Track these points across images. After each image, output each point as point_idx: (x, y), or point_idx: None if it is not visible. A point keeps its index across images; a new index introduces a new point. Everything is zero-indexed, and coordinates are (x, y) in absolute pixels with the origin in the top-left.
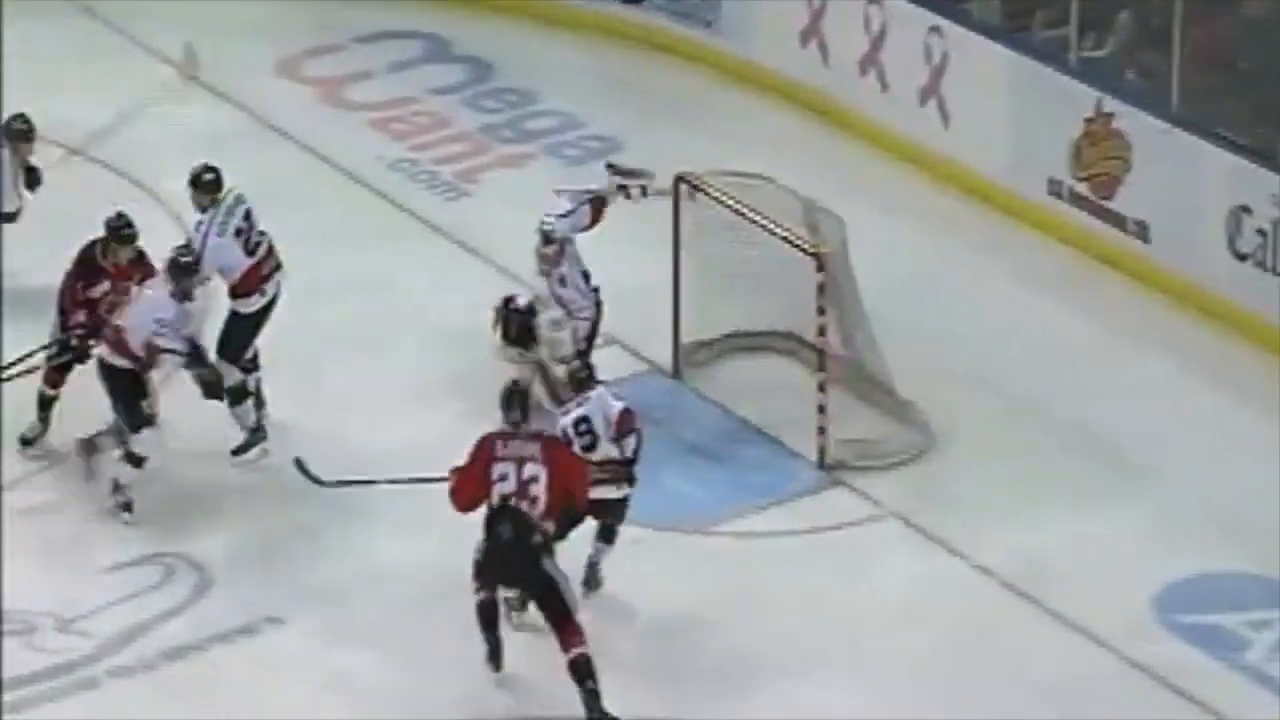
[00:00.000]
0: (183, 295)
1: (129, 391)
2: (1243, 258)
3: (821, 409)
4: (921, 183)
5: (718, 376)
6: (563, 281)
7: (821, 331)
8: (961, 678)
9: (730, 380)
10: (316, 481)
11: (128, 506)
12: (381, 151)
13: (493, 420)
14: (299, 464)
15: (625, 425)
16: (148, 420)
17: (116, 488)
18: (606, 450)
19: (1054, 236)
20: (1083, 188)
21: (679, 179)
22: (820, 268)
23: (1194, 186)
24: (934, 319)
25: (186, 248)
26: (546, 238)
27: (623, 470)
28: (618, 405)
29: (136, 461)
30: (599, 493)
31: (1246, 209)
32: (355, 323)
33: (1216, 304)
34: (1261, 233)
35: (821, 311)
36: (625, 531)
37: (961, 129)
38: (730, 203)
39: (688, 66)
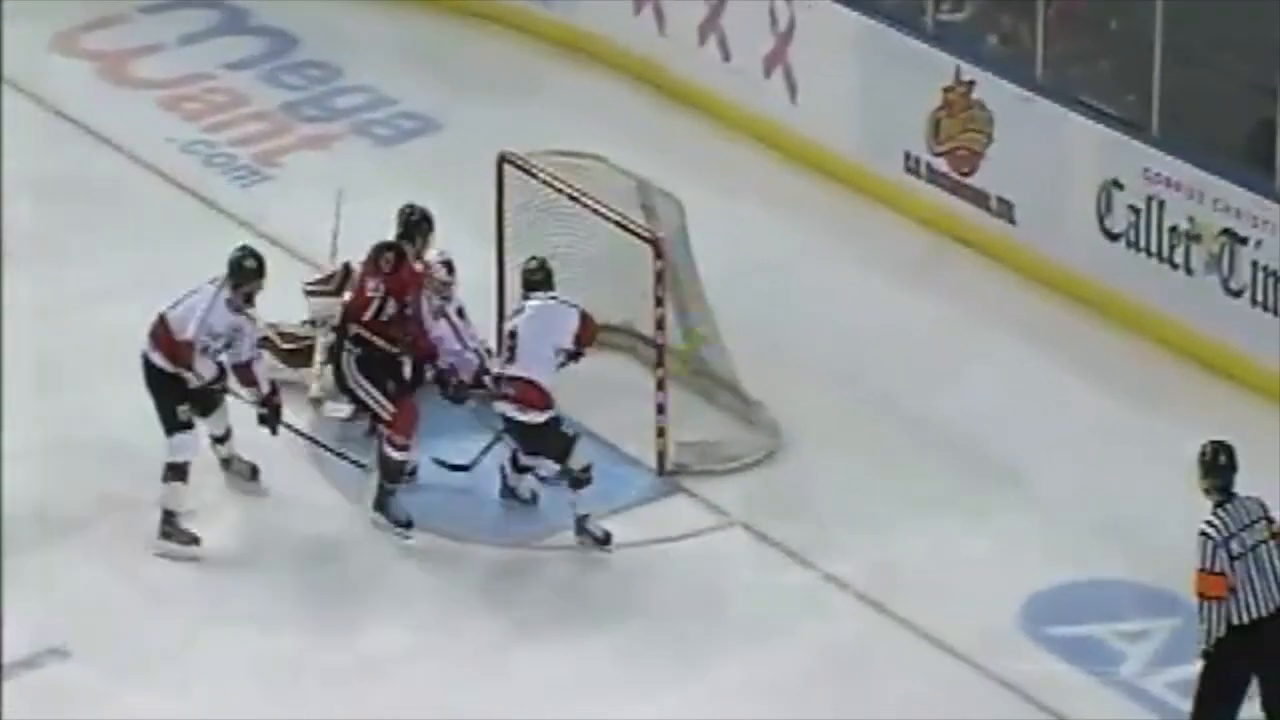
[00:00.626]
0: (243, 301)
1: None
2: (1114, 237)
3: (660, 409)
4: (767, 161)
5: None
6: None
7: (659, 324)
8: (815, 699)
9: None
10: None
11: (193, 540)
12: (172, 133)
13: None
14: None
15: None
16: (184, 425)
17: (167, 518)
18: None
19: (911, 217)
20: (941, 163)
21: (502, 159)
22: (657, 255)
23: (1061, 160)
24: (781, 309)
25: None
26: (450, 266)
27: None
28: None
29: (176, 473)
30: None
31: (1118, 184)
32: (146, 327)
33: (1086, 288)
34: (1134, 209)
35: (659, 302)
36: (441, 547)
37: (810, 101)
38: (558, 185)
39: (510, 36)
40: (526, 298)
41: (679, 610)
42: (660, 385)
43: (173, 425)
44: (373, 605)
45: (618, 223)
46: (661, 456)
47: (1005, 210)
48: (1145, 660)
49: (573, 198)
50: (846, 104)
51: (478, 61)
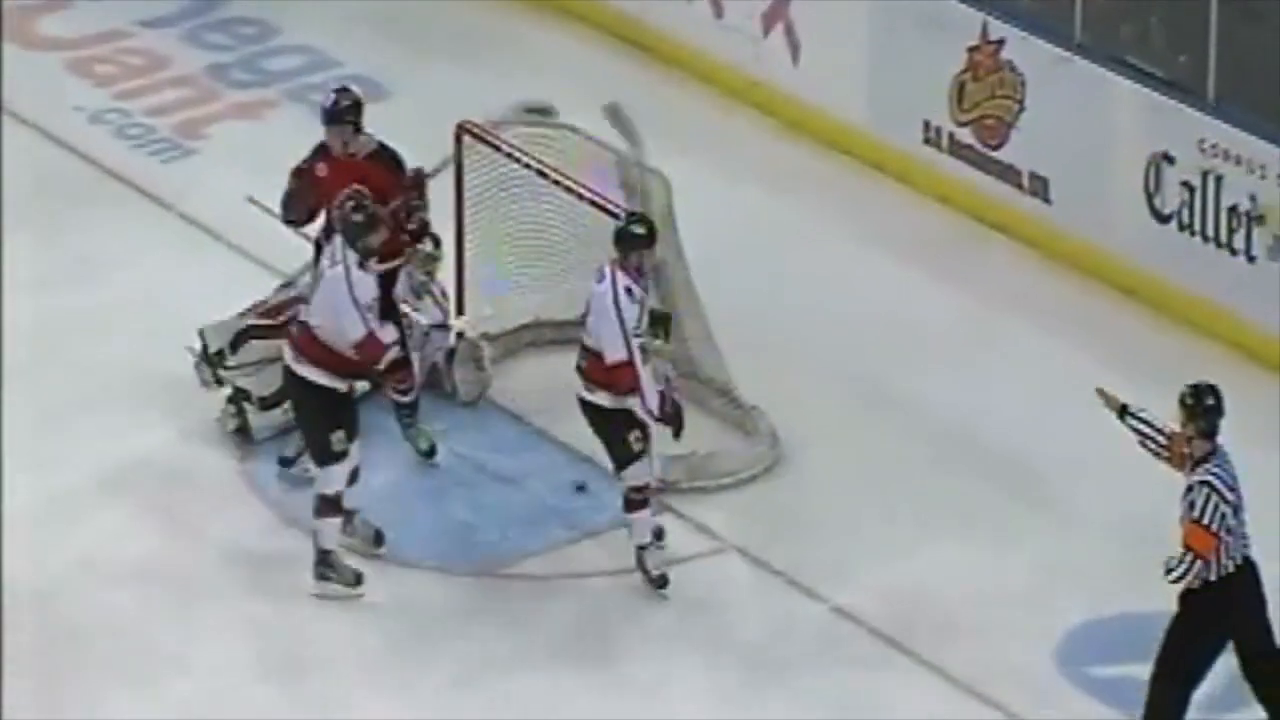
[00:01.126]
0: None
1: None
2: (1164, 219)
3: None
4: (765, 131)
5: (511, 378)
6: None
7: None
8: None
9: (527, 382)
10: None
11: (357, 578)
12: (82, 100)
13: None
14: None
15: None
16: (338, 455)
17: (323, 558)
18: None
19: (930, 195)
20: (965, 134)
21: (460, 130)
22: None
23: (1103, 131)
24: (781, 301)
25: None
26: (436, 240)
27: None
28: None
29: (330, 507)
30: None
31: (1168, 158)
32: (51, 320)
33: (1132, 276)
34: (1187, 187)
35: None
36: (387, 574)
37: (814, 64)
38: (525, 159)
39: None
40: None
41: (664, 649)
42: None
43: (325, 454)
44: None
45: (594, 202)
46: None
47: (1039, 188)
48: (1196, 705)
49: (542, 174)
50: (856, 66)
51: (432, 19)
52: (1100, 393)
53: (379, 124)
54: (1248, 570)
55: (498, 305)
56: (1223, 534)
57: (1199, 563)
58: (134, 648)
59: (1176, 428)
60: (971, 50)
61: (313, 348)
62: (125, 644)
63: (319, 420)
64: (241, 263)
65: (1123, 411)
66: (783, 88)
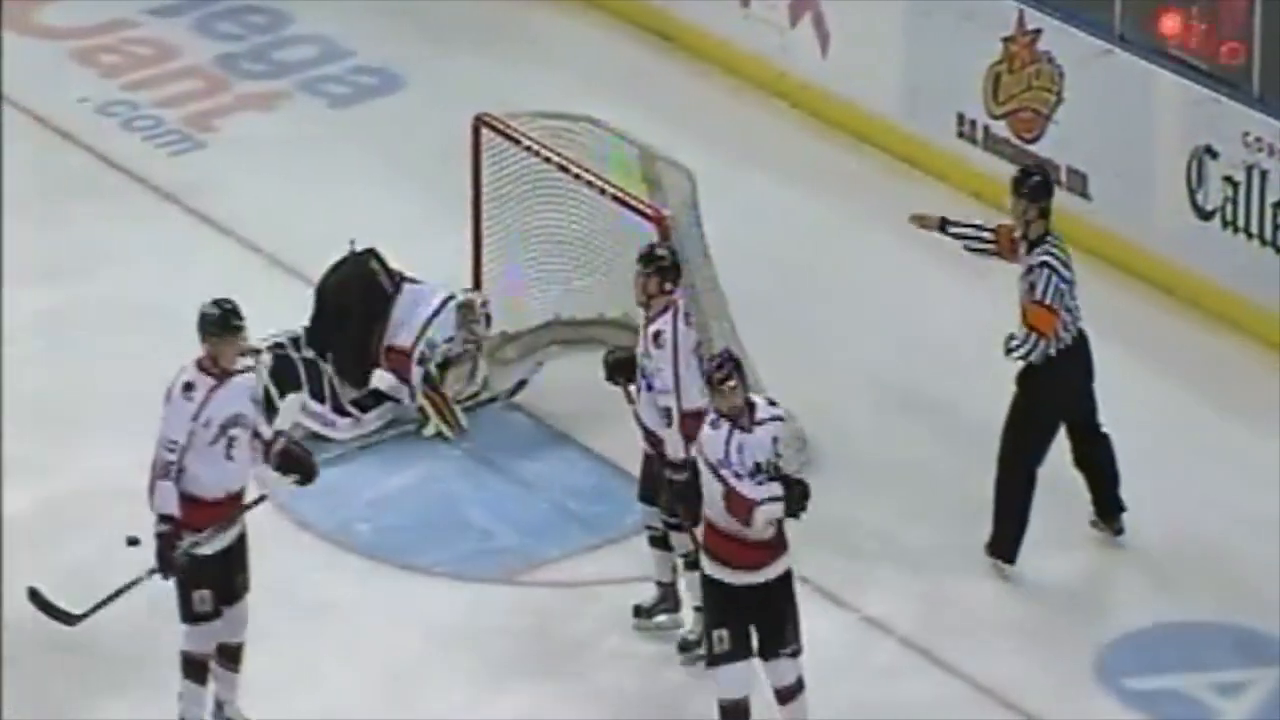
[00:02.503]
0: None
1: None
2: (1206, 215)
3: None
4: (793, 125)
5: (530, 378)
6: None
7: None
8: None
9: (547, 383)
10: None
11: None
12: (87, 91)
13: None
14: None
15: None
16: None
17: None
18: None
19: (964, 190)
20: (1000, 127)
21: (478, 122)
22: (663, 235)
23: (1143, 124)
24: (809, 299)
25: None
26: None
27: None
28: None
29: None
30: None
31: (1211, 152)
32: (56, 319)
33: (1173, 275)
34: (1231, 182)
35: None
36: (404, 582)
37: (844, 55)
38: (545, 152)
39: None
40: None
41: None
42: None
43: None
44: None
45: (616, 197)
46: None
47: (1077, 183)
48: (1244, 718)
49: (563, 168)
50: (888, 57)
51: (448, 8)
52: (915, 218)
53: (394, 115)
54: (1081, 344)
55: (516, 302)
56: (1061, 311)
57: (1041, 341)
58: (145, 654)
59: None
60: (1007, 41)
61: None
62: (133, 650)
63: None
64: (250, 257)
65: (943, 225)
66: (812, 79)
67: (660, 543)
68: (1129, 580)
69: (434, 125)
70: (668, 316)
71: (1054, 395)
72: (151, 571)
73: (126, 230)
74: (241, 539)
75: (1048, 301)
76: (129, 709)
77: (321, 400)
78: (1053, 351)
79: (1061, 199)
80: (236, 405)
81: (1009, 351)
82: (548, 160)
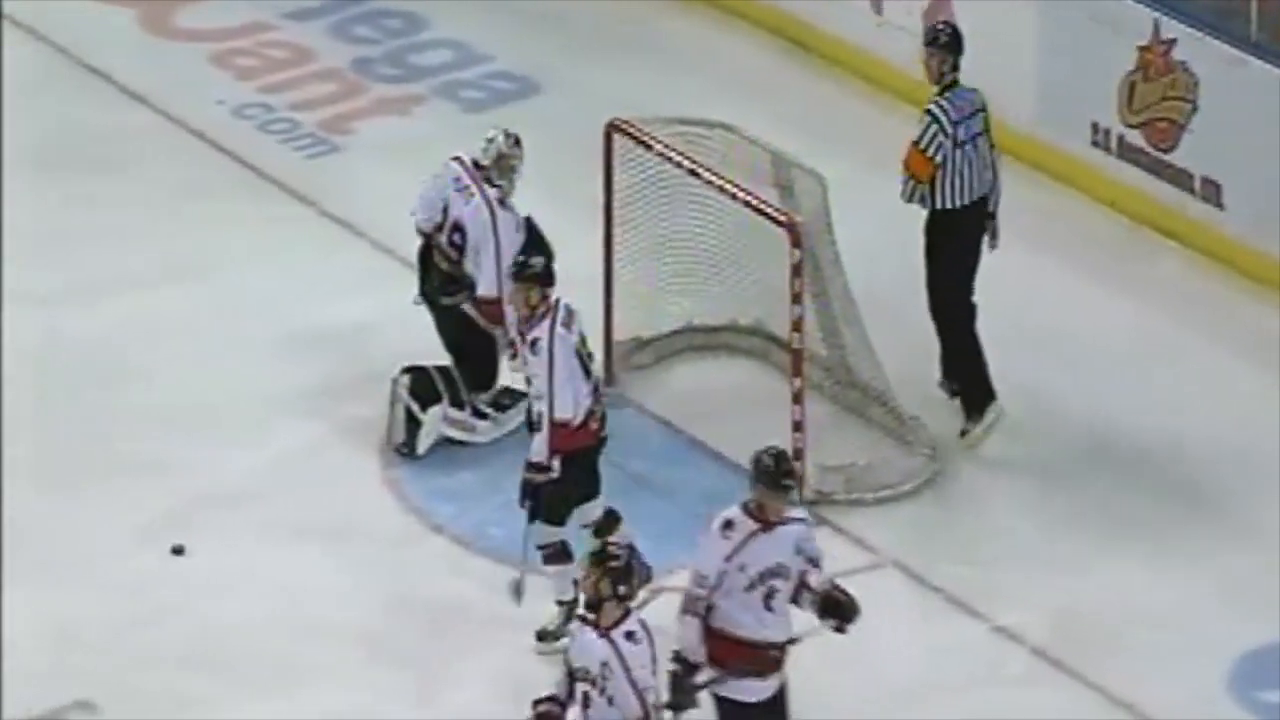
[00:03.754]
0: None
1: None
2: None
3: (798, 426)
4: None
5: (663, 384)
6: None
7: (797, 326)
8: None
9: (679, 389)
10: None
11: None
12: (224, 94)
13: (366, 439)
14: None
15: None
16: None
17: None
18: None
19: (1098, 200)
20: (1135, 137)
21: (611, 128)
22: (795, 242)
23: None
24: None
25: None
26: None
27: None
28: None
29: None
30: None
31: None
32: (189, 317)
33: None
34: None
35: (797, 299)
36: (535, 585)
37: (977, 62)
38: (677, 158)
39: None
40: None
41: (819, 665)
42: (798, 398)
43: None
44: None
45: (748, 203)
46: (800, 482)
47: (1212, 193)
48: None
49: (694, 173)
50: (1022, 66)
51: (585, 14)
52: None
53: (529, 120)
54: (977, 209)
55: (648, 308)
56: (946, 158)
57: (917, 185)
58: (266, 657)
59: None
60: (1142, 50)
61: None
62: (256, 654)
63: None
64: (384, 261)
65: None
66: None
67: (558, 557)
68: (1262, 591)
69: (568, 130)
70: (545, 323)
71: (947, 240)
72: (668, 706)
73: (261, 232)
74: (783, 691)
75: (921, 146)
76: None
77: (461, 407)
78: (940, 205)
79: (1195, 209)
80: (779, 555)
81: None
82: (679, 166)
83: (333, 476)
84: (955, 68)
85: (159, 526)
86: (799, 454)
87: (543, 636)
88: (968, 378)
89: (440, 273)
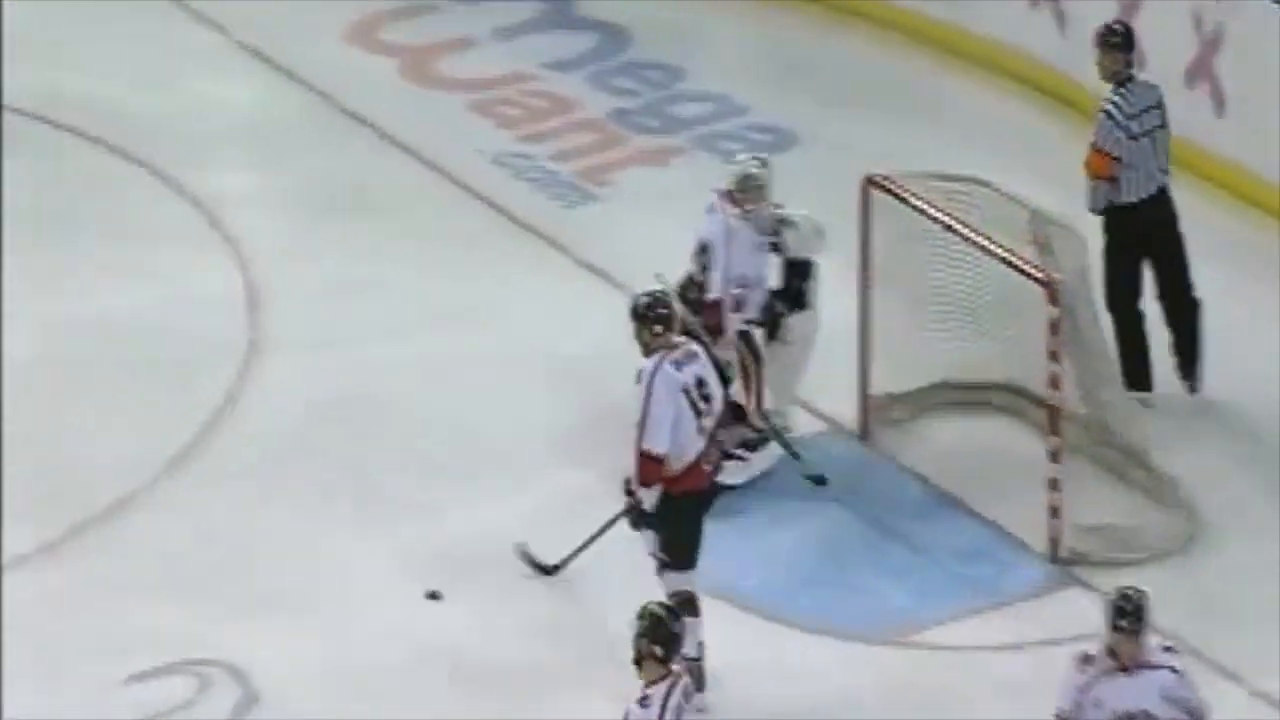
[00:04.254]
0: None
1: None
2: None
3: (1054, 484)
4: (1187, 189)
5: (918, 439)
6: None
7: (1054, 383)
8: None
9: (934, 444)
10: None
11: None
12: (484, 143)
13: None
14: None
15: None
16: None
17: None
18: None
19: None
20: None
21: (869, 182)
22: (1053, 300)
23: None
24: (1202, 368)
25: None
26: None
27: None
28: None
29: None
30: None
31: None
32: (450, 363)
33: None
34: None
35: (1054, 357)
36: (787, 639)
37: (1240, 118)
38: (935, 214)
39: (882, 38)
40: None
41: None
42: (1055, 456)
43: None
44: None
45: (1005, 260)
46: (1055, 541)
47: None
48: None
49: (949, 228)
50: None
51: (843, 67)
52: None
53: (787, 172)
54: (1161, 199)
55: (904, 363)
56: (1123, 154)
57: (1100, 185)
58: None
59: None
60: None
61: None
62: (516, 697)
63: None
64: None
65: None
66: (1205, 143)
67: (685, 609)
68: None
69: (824, 183)
70: (655, 357)
71: (1124, 236)
72: None
73: (519, 280)
74: None
75: (1098, 144)
76: None
77: None
78: (1120, 200)
79: None
80: (1142, 701)
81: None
82: (937, 221)
83: (597, 523)
84: (1129, 64)
85: (422, 569)
86: (1055, 512)
87: None
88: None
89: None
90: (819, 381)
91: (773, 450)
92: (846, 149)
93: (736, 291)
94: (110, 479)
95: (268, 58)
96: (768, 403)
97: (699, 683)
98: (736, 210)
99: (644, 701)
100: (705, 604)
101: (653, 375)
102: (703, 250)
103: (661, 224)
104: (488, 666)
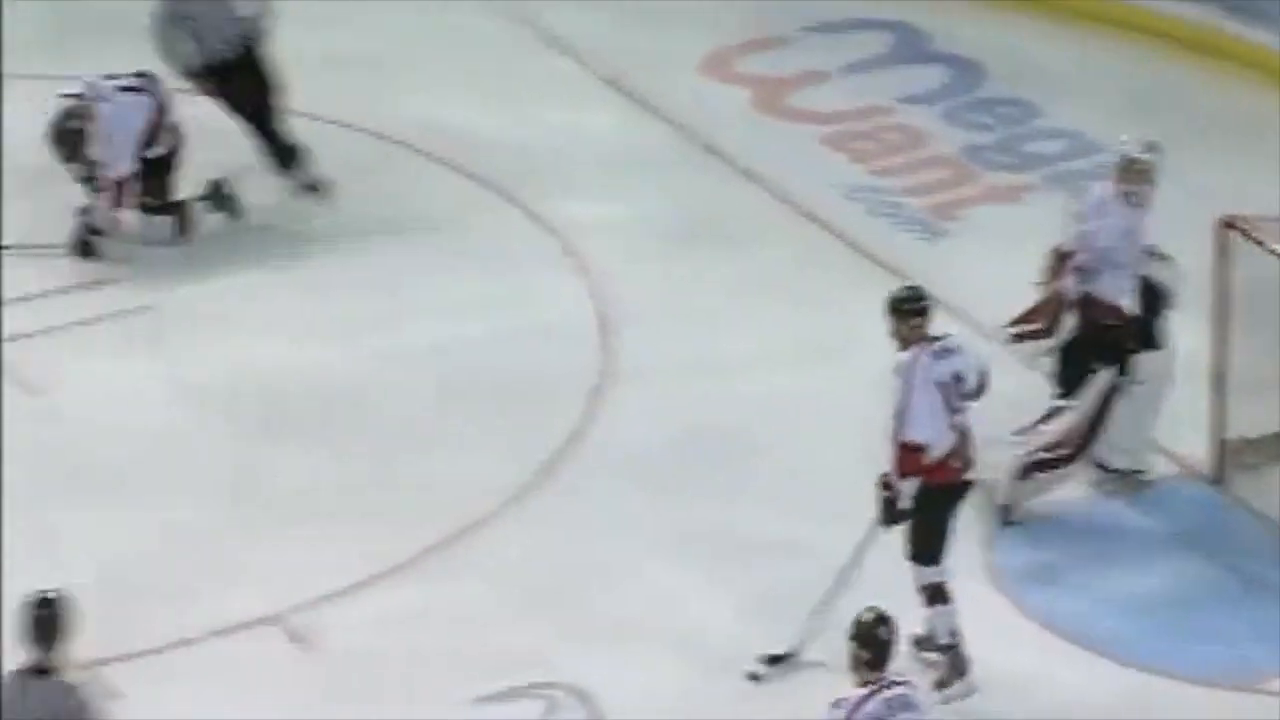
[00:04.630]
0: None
1: None
2: None
3: None
4: None
5: (1273, 485)
6: None
7: None
8: None
9: None
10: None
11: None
12: (837, 176)
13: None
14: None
15: None
16: None
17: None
18: None
19: None
20: None
21: (1226, 224)
22: None
23: None
24: None
25: None
26: None
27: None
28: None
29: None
30: None
31: None
32: (800, 395)
33: None
34: None
35: None
36: (1144, 684)
37: None
38: None
39: (1247, 76)
40: None
41: None
42: None
43: None
44: None
45: None
46: None
47: None
48: None
49: None
50: None
51: (1204, 105)
52: None
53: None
54: None
55: (1261, 406)
56: None
57: None
58: None
59: None
60: None
61: None
62: None
63: None
64: (990, 346)
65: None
66: None
67: (936, 598)
68: None
69: (1178, 221)
70: (915, 349)
71: None
72: None
73: (870, 313)
74: None
75: None
76: None
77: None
78: None
79: None
80: None
81: None
82: None
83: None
84: None
85: (773, 612)
86: None
87: (940, 685)
88: None
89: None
90: (1170, 423)
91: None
92: (1206, 187)
93: (1086, 258)
94: (463, 502)
95: (624, 88)
96: (1122, 442)
97: (959, 667)
98: (1115, 188)
99: (838, 703)
100: (1059, 645)
101: (911, 367)
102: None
103: (1012, 260)
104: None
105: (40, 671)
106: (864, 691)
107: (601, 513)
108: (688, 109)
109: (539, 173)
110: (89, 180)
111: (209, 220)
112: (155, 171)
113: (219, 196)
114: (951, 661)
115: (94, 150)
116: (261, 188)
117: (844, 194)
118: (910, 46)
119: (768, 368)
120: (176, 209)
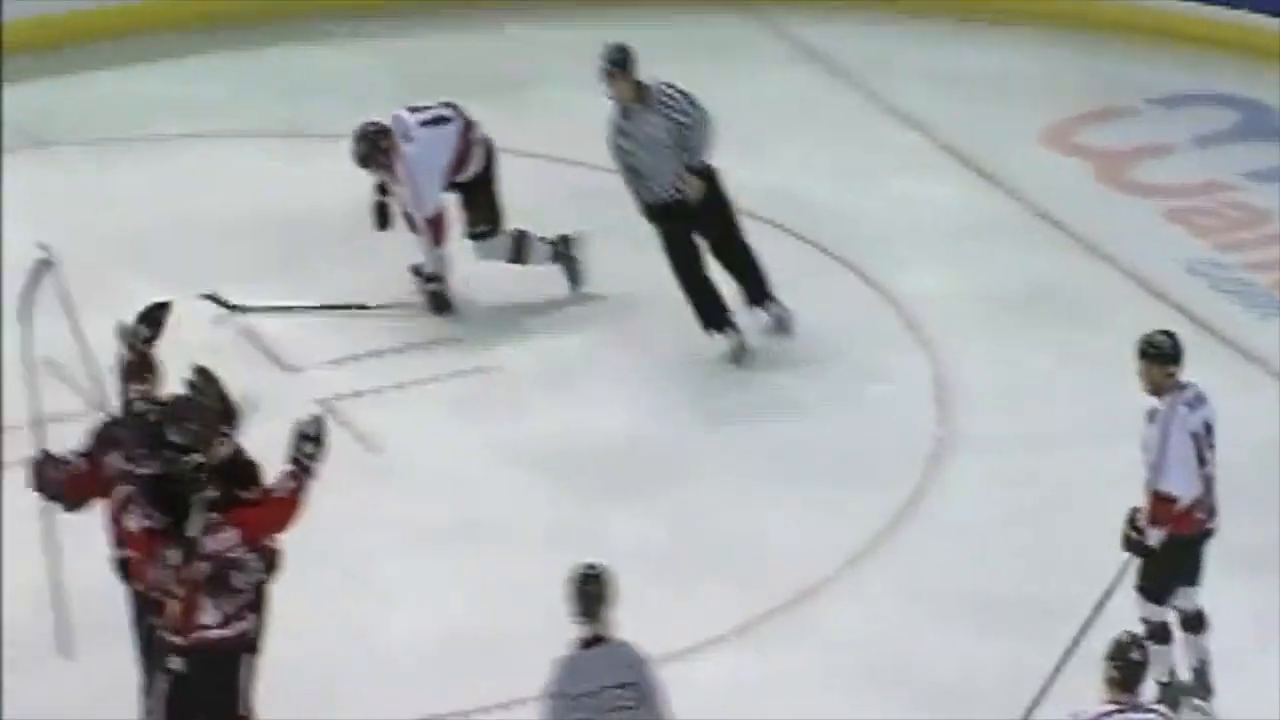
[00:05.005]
0: None
1: None
2: None
3: None
4: None
5: None
6: None
7: None
8: None
9: None
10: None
11: None
12: (1179, 251)
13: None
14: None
15: None
16: None
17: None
18: None
19: None
20: None
21: None
22: None
23: None
24: None
25: None
26: None
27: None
28: None
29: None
30: None
31: None
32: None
33: None
34: None
35: None
36: None
37: None
38: None
39: None
40: None
41: None
42: None
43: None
44: None
45: None
46: None
47: None
48: None
49: None
50: None
51: None
52: None
53: None
54: None
55: None
56: None
57: None
58: None
59: None
60: None
61: None
62: None
63: None
64: None
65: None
66: None
67: (1157, 636)
68: None
69: None
70: (1169, 397)
71: None
72: None
73: (1213, 390)
74: None
75: None
76: None
77: None
78: None
79: None
80: None
81: None
82: None
83: None
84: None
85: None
86: None
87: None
88: None
89: None
90: None
91: None
92: None
93: None
94: (797, 569)
95: (966, 158)
96: None
97: (1173, 704)
98: None
99: (1076, 715)
100: None
101: (1170, 417)
102: None
103: None
104: None
105: (595, 640)
106: (1107, 709)
107: (934, 583)
108: (1028, 180)
109: (880, 242)
110: (382, 189)
111: (549, 284)
112: (474, 193)
113: (564, 253)
114: (1162, 695)
115: (398, 191)
116: (603, 254)
117: (1186, 269)
118: (1255, 122)
119: (1107, 440)
120: (510, 232)
